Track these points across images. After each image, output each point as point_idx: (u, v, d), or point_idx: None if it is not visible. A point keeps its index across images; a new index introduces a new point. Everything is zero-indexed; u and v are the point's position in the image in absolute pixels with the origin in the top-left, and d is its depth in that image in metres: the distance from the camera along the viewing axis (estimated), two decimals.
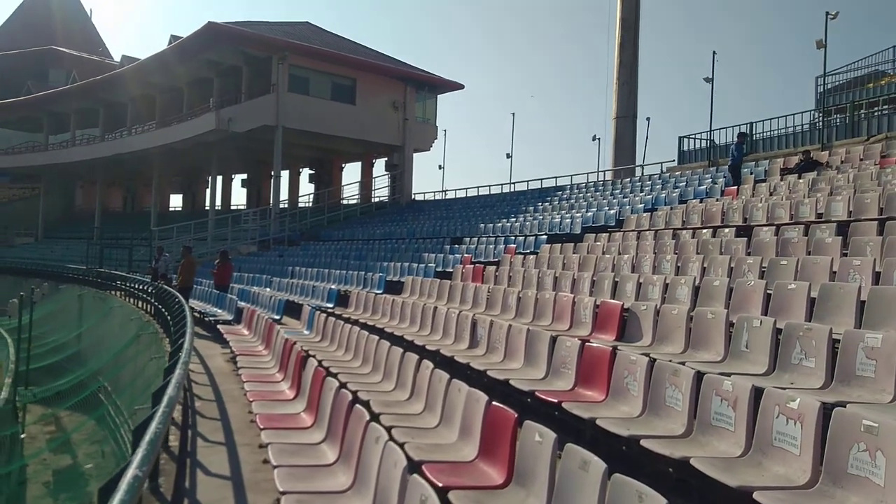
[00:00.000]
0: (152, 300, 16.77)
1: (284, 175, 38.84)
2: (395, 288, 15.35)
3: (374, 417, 5.46)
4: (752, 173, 18.24)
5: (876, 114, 22.25)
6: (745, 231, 11.20)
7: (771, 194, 14.18)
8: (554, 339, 6.89)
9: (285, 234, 32.55)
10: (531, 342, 7.25)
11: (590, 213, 18.29)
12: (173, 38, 37.28)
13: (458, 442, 5.09)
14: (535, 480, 3.96)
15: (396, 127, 36.79)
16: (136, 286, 19.76)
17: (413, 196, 38.98)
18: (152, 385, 7.79)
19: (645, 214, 15.49)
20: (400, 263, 17.70)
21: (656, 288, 8.58)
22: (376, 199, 40.06)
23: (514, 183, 35.29)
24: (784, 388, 4.43)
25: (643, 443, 4.43)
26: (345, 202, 40.27)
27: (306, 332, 11.93)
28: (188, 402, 8.00)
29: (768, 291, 6.97)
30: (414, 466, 4.35)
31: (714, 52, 31.09)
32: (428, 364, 6.54)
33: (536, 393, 6.01)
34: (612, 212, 17.51)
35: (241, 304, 15.35)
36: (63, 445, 16.43)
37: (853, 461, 3.48)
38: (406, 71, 37.13)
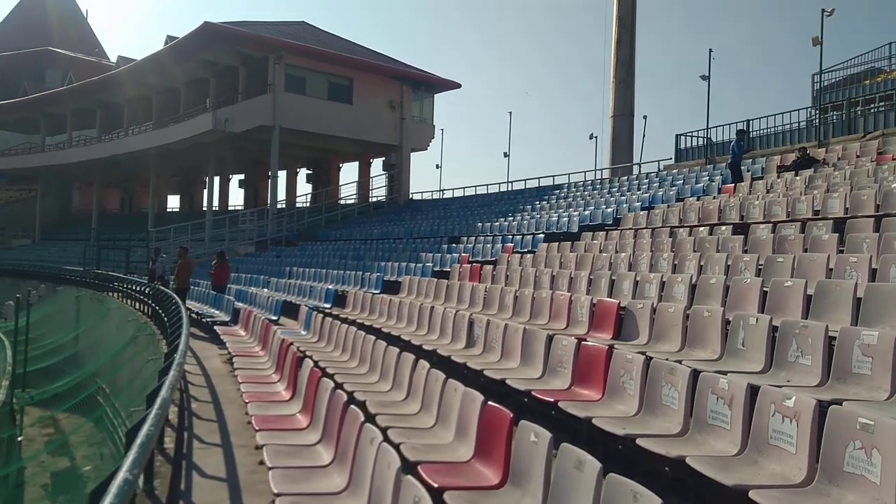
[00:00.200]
0: (149, 301, 16.74)
1: (282, 175, 38.82)
2: (392, 288, 15.34)
3: (370, 418, 5.44)
4: (748, 171, 18.24)
5: (872, 111, 22.27)
6: (741, 229, 11.18)
7: (768, 192, 14.18)
8: (550, 338, 6.87)
9: (283, 234, 32.52)
10: (528, 341, 7.23)
11: (587, 212, 18.29)
12: (169, 38, 37.20)
13: (454, 442, 5.08)
14: (530, 480, 3.95)
15: (393, 126, 36.76)
16: (134, 287, 19.72)
17: (410, 196, 38.95)
18: (149, 387, 7.75)
19: (642, 213, 15.48)
20: (397, 263, 17.69)
21: (653, 286, 8.57)
22: (374, 199, 40.04)
23: (511, 182, 35.35)
24: (780, 386, 4.42)
25: (639, 442, 4.42)
26: (342, 202, 40.23)
27: (303, 333, 11.92)
28: (184, 404, 7.97)
29: (765, 289, 6.96)
30: (409, 467, 4.34)
31: (711, 50, 31.03)
32: (424, 364, 6.52)
33: (533, 392, 6.00)
34: (609, 210, 17.51)
35: (239, 304, 15.33)
36: (61, 447, 16.36)
37: (849, 459, 3.47)
38: (403, 70, 37.10)
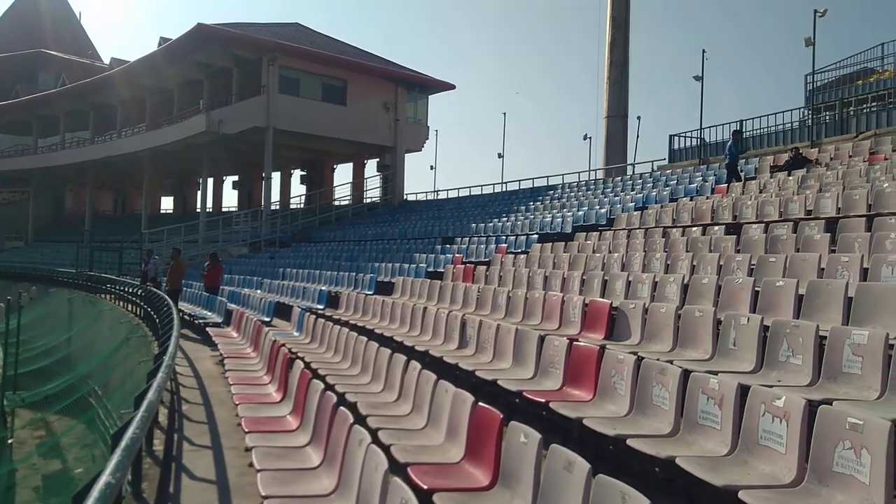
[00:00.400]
0: (142, 303, 16.67)
1: (276, 176, 38.70)
2: (385, 289, 15.31)
3: (361, 420, 5.41)
4: (742, 171, 18.28)
5: (865, 111, 22.38)
6: (734, 229, 11.21)
7: (761, 192, 14.21)
8: (542, 339, 6.85)
9: (276, 235, 32.43)
10: (520, 342, 7.21)
11: (581, 213, 18.29)
12: (163, 39, 37.06)
13: (445, 443, 5.05)
14: (520, 481, 3.93)
15: (388, 128, 36.72)
16: (126, 289, 19.64)
17: (405, 196, 38.92)
18: (141, 388, 7.72)
19: (635, 213, 15.50)
20: (391, 264, 17.66)
21: (645, 286, 8.56)
22: (368, 200, 39.95)
23: (505, 183, 35.36)
24: (771, 386, 4.40)
25: (629, 442, 4.40)
26: (336, 203, 40.16)
27: (296, 334, 11.87)
28: (175, 406, 7.93)
29: (756, 289, 6.95)
30: (400, 468, 4.31)
31: (704, 51, 31.17)
32: (416, 365, 6.50)
33: (524, 393, 5.98)
34: (602, 211, 17.52)
35: (231, 306, 15.27)
36: (52, 450, 16.27)
37: (838, 459, 3.46)
38: (397, 71, 37.06)
